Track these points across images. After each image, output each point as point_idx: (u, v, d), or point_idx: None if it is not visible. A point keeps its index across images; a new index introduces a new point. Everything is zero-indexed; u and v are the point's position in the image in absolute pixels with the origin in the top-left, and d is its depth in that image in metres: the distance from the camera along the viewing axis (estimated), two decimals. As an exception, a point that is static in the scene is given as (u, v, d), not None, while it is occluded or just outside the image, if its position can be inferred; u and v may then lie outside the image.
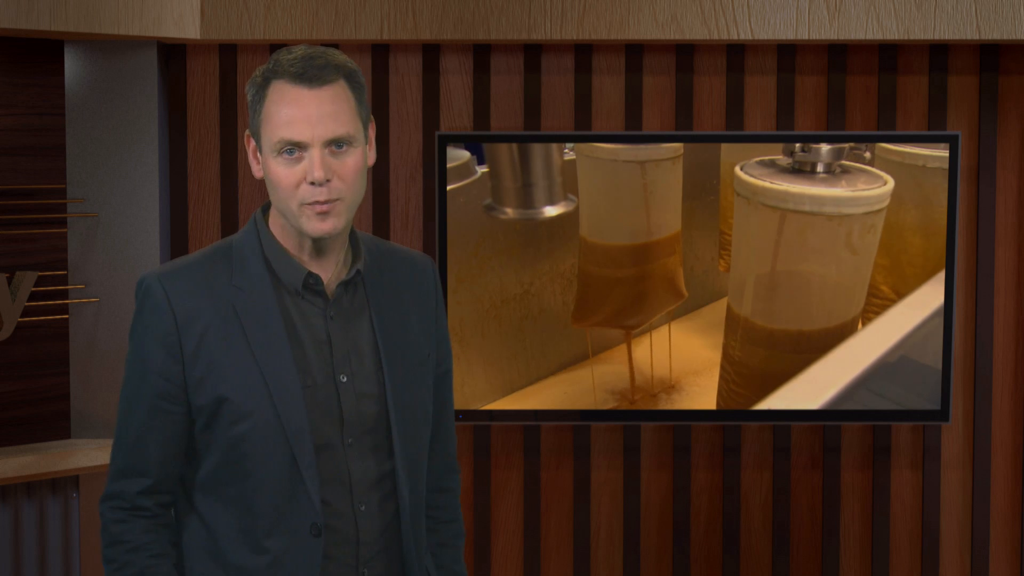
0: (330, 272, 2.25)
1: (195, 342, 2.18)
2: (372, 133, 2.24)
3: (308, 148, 2.14)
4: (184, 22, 3.76)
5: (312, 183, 2.14)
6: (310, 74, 2.14)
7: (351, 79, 2.18)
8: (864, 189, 3.83)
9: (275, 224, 2.24)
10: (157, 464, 2.21)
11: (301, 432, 2.18)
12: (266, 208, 2.27)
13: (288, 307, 2.22)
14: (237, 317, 2.19)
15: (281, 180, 2.15)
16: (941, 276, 3.88)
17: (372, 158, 2.24)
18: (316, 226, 2.16)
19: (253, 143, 2.21)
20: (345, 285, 2.25)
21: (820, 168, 3.83)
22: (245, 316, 2.19)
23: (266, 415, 2.17)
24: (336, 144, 2.15)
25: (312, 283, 2.23)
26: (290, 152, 2.15)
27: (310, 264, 2.23)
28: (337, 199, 2.16)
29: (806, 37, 3.83)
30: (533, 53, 3.99)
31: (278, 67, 2.16)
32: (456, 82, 4.00)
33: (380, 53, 3.98)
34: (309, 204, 2.15)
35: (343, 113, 2.16)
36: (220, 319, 2.18)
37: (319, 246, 2.22)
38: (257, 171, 2.22)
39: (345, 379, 2.22)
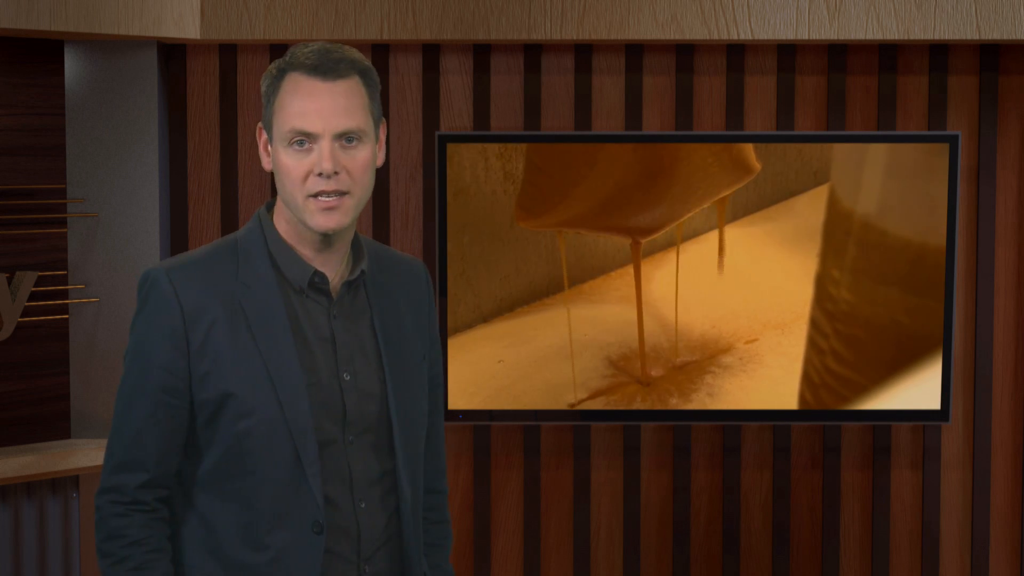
0: (334, 271, 2.25)
1: (201, 337, 2.18)
2: (383, 134, 2.26)
3: (318, 140, 2.15)
4: (184, 22, 3.76)
5: (320, 174, 2.15)
6: (325, 67, 2.16)
7: (365, 76, 2.20)
8: None
9: (280, 221, 2.25)
10: (157, 458, 2.20)
11: (305, 429, 2.18)
12: (270, 206, 2.28)
13: (293, 305, 2.23)
14: (243, 313, 2.19)
15: (290, 171, 2.17)
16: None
17: (381, 159, 2.26)
18: (321, 221, 2.17)
19: (265, 135, 2.22)
20: (349, 285, 2.26)
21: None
22: (251, 312, 2.19)
23: (271, 412, 2.18)
24: (347, 138, 2.17)
25: (317, 281, 2.23)
26: (300, 143, 2.16)
27: (314, 262, 2.24)
28: (345, 193, 2.17)
29: (806, 37, 3.83)
30: (533, 53, 3.99)
31: (294, 59, 2.18)
32: (456, 82, 4.00)
33: (380, 53, 3.98)
34: (315, 196, 2.16)
35: (355, 108, 2.17)
36: (226, 315, 2.19)
37: (326, 242, 2.22)
38: (267, 163, 2.23)
39: (348, 377, 2.23)
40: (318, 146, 2.15)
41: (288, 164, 2.17)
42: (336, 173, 2.15)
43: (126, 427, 2.21)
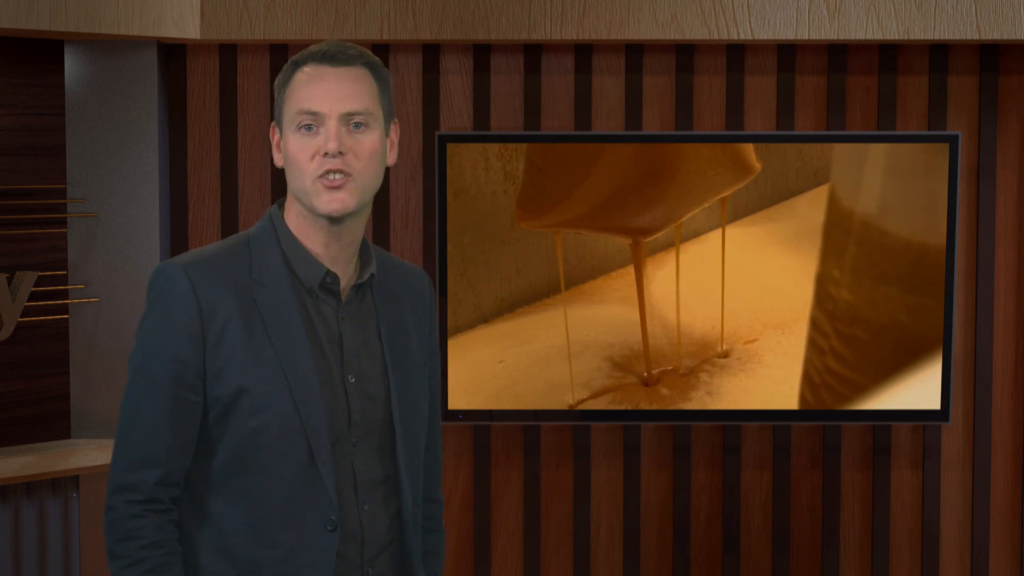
0: (343, 272, 2.26)
1: (217, 332, 2.18)
2: (395, 135, 2.28)
3: (325, 121, 2.18)
4: (184, 22, 3.76)
5: (326, 154, 2.16)
6: (333, 53, 2.20)
7: (374, 69, 2.24)
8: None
9: (291, 216, 2.25)
10: (171, 454, 2.19)
11: (320, 428, 2.19)
12: (282, 203, 2.29)
13: (305, 304, 2.24)
14: (257, 310, 2.20)
15: (297, 154, 2.19)
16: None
17: (392, 158, 2.28)
18: (326, 200, 2.18)
19: (277, 133, 2.24)
20: (357, 288, 2.27)
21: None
22: (265, 309, 2.20)
23: (285, 408, 2.18)
24: (354, 123, 2.19)
25: (329, 282, 2.24)
26: (308, 127, 2.18)
27: (324, 260, 2.25)
28: (350, 175, 2.18)
29: (806, 37, 3.83)
30: (533, 53, 3.99)
31: (305, 54, 2.23)
32: (456, 82, 4.00)
33: (380, 53, 3.98)
34: (321, 177, 2.17)
35: (363, 93, 2.20)
36: (241, 311, 2.19)
37: (334, 231, 2.22)
38: (279, 160, 2.25)
39: (353, 380, 2.24)
40: (325, 127, 2.18)
41: (295, 148, 2.19)
42: (342, 154, 2.17)
43: (139, 422, 2.19)
